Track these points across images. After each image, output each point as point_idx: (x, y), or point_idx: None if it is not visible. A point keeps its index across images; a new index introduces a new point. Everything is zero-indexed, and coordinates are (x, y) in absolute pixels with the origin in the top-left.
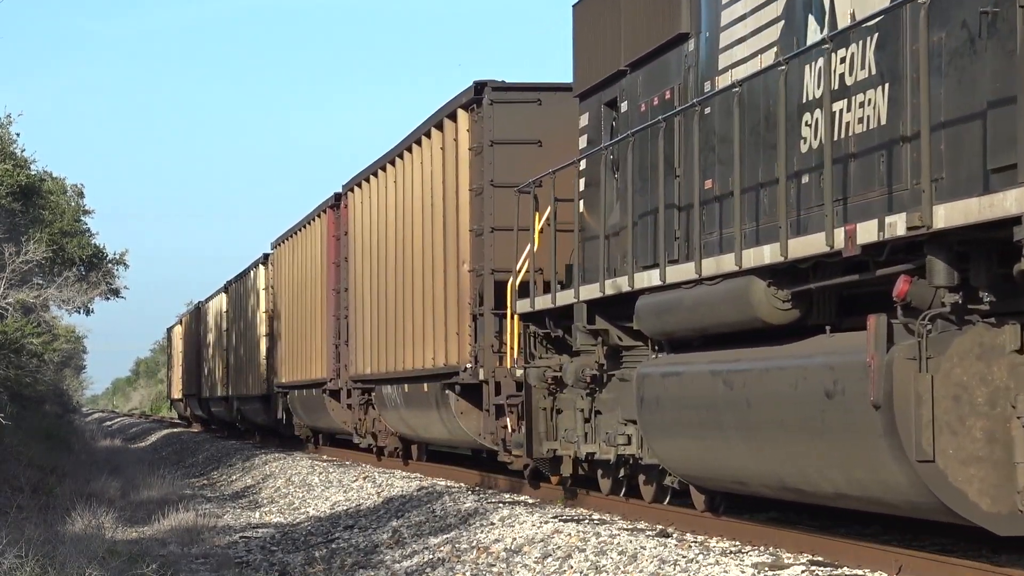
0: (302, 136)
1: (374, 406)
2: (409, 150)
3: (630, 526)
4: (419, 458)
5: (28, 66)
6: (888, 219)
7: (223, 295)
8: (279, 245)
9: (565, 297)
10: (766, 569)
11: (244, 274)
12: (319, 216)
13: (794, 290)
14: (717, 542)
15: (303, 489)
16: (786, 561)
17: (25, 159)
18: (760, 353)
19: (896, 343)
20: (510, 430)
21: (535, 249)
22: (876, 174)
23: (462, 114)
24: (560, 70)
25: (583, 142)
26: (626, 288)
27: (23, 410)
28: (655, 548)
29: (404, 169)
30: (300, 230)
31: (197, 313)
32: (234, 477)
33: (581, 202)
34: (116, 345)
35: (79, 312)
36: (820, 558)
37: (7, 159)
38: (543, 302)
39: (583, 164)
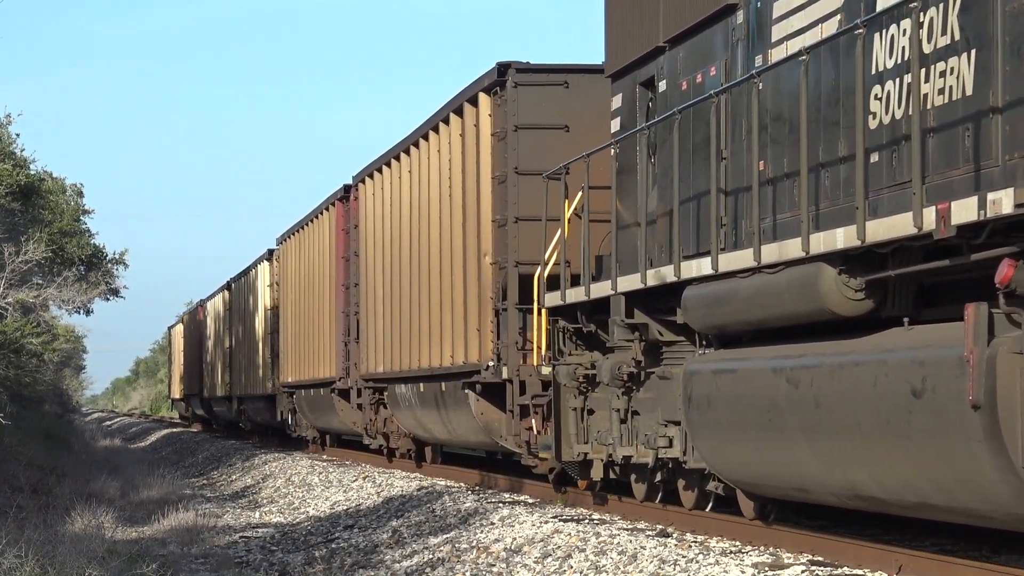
0: (302, 136)
1: (386, 406)
2: (425, 138)
3: (630, 526)
4: (433, 460)
5: (28, 66)
6: (991, 196)
7: (225, 292)
8: (285, 240)
9: (601, 289)
10: (766, 569)
11: (247, 271)
12: (327, 209)
13: (868, 278)
14: (717, 542)
15: (303, 489)
16: (786, 561)
17: (25, 159)
18: (830, 348)
19: (998, 335)
20: (535, 432)
21: (565, 239)
22: (960, 150)
23: (484, 98)
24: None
25: (615, 125)
26: (671, 278)
27: (23, 410)
28: (655, 548)
29: (420, 158)
30: (307, 224)
31: (199, 311)
32: (234, 477)
33: (614, 189)
34: (116, 345)
35: (78, 312)
36: (820, 558)
37: (7, 159)
38: (575, 295)
39: (616, 149)
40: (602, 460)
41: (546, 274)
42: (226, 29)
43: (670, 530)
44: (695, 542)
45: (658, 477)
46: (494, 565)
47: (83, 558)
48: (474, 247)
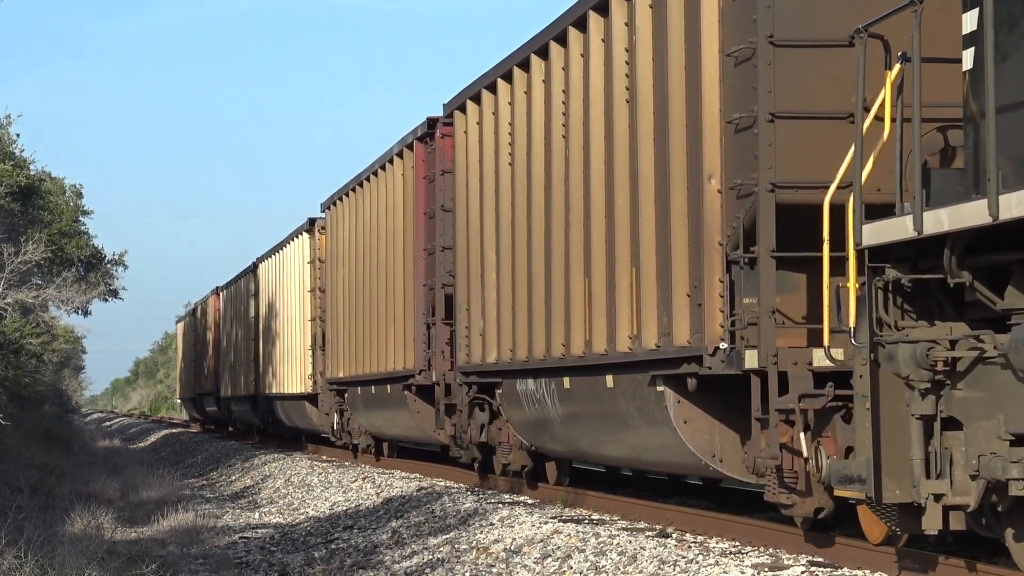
0: (304, 137)
1: (485, 408)
2: (581, 25)
3: (630, 526)
4: (559, 482)
5: (28, 66)
6: None
7: (249, 276)
8: (334, 205)
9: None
10: (766, 570)
11: (280, 247)
12: (400, 155)
13: None
14: (717, 542)
15: (302, 490)
16: (786, 562)
17: (24, 159)
18: None
19: None
20: (806, 454)
21: (885, 140)
22: None
23: None
24: None
25: None
26: None
27: (22, 410)
28: (655, 548)
29: (567, 59)
30: (368, 179)
31: (213, 301)
32: (233, 477)
33: (969, 52)
34: (115, 345)
35: (77, 313)
36: (820, 559)
37: (7, 159)
38: (962, 215)
39: None
40: (942, 504)
41: (858, 190)
42: (226, 29)
43: (670, 530)
44: (695, 542)
45: None
46: (494, 566)
47: (83, 558)
48: (682, 166)
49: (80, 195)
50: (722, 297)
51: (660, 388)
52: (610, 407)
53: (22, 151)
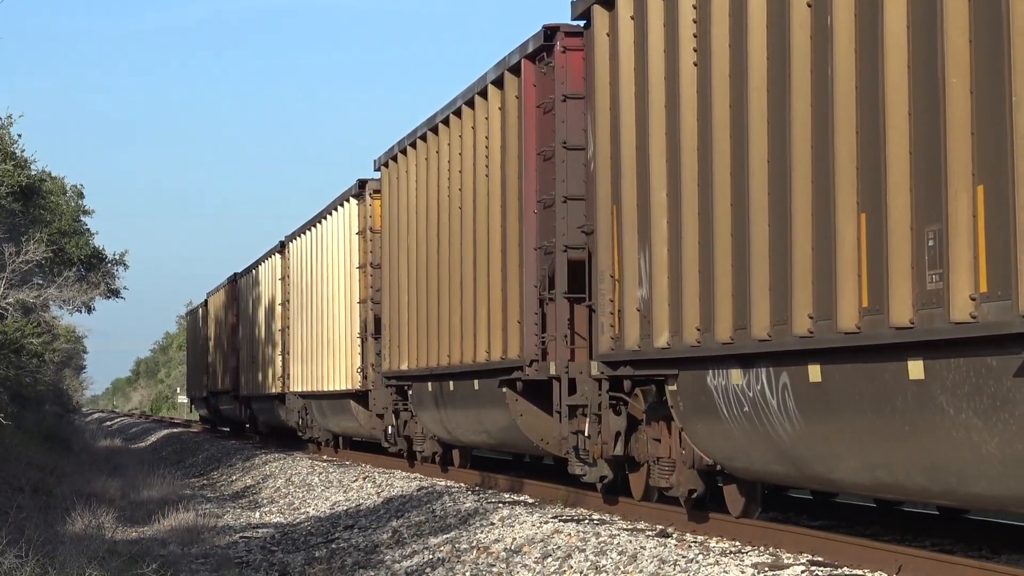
0: (304, 137)
1: (641, 412)
2: None
3: (630, 526)
4: (746, 512)
5: (28, 66)
6: None
7: (277, 258)
8: (393, 160)
9: None
10: (766, 569)
11: (319, 219)
12: (499, 83)
13: None
14: (717, 542)
15: (303, 489)
16: (786, 561)
17: (25, 159)
18: None
19: None
20: None
21: None
22: None
23: None
24: None
25: None
26: None
27: (23, 410)
28: (655, 548)
29: None
30: (448, 121)
31: (228, 290)
32: (234, 477)
33: None
34: (116, 345)
35: (80, 311)
36: (820, 558)
37: (8, 159)
38: None
39: None
40: None
41: None
42: (227, 30)
43: (670, 530)
44: (695, 542)
45: None
46: (494, 565)
47: (83, 558)
48: None
49: (81, 195)
50: None
51: (1004, 382)
52: (912, 410)
53: (23, 151)
